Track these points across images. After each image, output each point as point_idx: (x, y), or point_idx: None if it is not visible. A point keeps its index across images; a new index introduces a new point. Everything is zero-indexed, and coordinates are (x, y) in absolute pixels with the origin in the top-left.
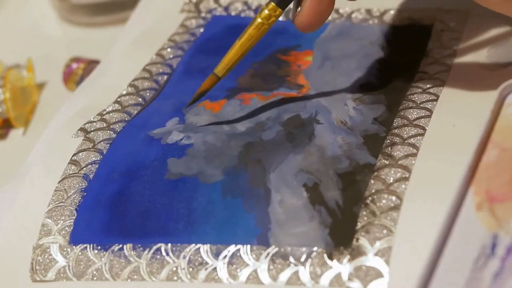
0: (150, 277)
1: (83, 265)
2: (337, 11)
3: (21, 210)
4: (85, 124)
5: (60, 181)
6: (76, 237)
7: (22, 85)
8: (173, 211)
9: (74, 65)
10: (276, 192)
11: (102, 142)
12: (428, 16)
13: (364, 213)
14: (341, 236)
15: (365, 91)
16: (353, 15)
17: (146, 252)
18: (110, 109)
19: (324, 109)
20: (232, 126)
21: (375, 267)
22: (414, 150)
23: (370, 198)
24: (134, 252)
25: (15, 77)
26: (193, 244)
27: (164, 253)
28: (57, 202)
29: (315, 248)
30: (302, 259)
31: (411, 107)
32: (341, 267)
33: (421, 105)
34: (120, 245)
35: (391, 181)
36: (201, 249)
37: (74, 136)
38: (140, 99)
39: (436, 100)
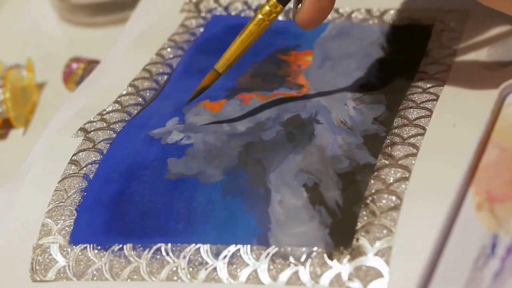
0: (150, 277)
1: (83, 265)
2: (337, 11)
3: (21, 210)
4: (85, 124)
5: (60, 181)
6: (76, 237)
7: (22, 85)
8: (173, 211)
9: (74, 65)
10: (276, 192)
11: (102, 142)
12: (428, 16)
13: (364, 213)
14: (341, 236)
15: (365, 91)
16: (353, 15)
17: (146, 252)
18: (110, 109)
19: (324, 109)
20: (232, 126)
21: (375, 267)
22: (414, 150)
23: (370, 198)
24: (134, 252)
25: (15, 77)
26: (193, 244)
27: (164, 253)
28: (57, 202)
29: (315, 248)
30: (302, 259)
31: (411, 107)
32: (341, 267)
33: (421, 105)
34: (120, 245)
35: (391, 181)
36: (201, 249)
37: (74, 136)
38: (140, 99)
39: (436, 100)
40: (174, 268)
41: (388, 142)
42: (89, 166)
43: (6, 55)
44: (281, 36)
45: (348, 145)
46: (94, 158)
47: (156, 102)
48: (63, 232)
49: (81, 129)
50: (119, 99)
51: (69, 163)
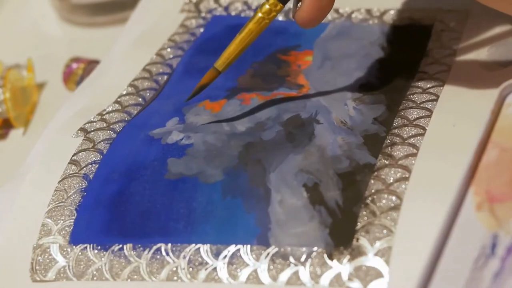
0: (150, 277)
1: (83, 265)
2: (337, 11)
3: (21, 210)
4: (85, 124)
5: (60, 181)
6: (76, 237)
7: (22, 85)
8: (173, 211)
9: (74, 65)
10: (276, 192)
11: (102, 142)
12: (428, 16)
13: (364, 213)
14: (341, 236)
15: (365, 91)
16: (353, 15)
17: (146, 252)
18: (110, 109)
19: (324, 109)
20: (232, 126)
21: (375, 267)
22: (414, 150)
23: (370, 198)
24: (134, 252)
25: (15, 77)
26: (193, 244)
27: (164, 253)
28: (57, 202)
29: (315, 248)
30: (302, 259)
31: (411, 107)
32: (341, 267)
33: (421, 105)
34: (120, 245)
35: (391, 181)
36: (201, 249)
37: (74, 136)
38: (140, 99)
39: (436, 100)
40: (174, 268)
41: (388, 142)
42: (89, 166)
43: (6, 55)
44: (281, 36)
45: (348, 145)
46: (94, 158)
47: (156, 102)
48: (63, 232)
49: (81, 129)
50: (119, 99)
51: (69, 163)
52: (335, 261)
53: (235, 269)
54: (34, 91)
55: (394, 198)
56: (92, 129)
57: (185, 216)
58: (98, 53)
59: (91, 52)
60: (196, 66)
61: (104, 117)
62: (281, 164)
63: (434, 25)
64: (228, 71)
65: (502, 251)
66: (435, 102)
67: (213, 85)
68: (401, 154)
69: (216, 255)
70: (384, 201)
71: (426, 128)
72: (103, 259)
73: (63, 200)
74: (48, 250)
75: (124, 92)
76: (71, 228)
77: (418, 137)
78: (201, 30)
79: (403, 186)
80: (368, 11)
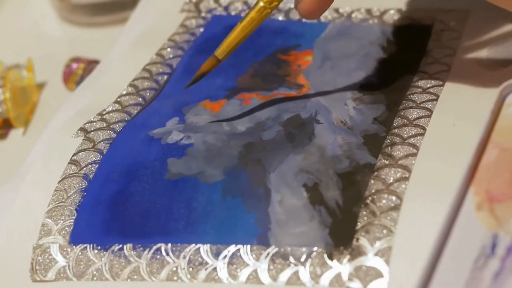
0: (150, 277)
1: (83, 265)
2: (337, 10)
3: (21, 210)
4: (85, 124)
5: (60, 181)
6: (76, 237)
7: (22, 85)
8: (173, 211)
9: (74, 65)
10: (276, 192)
11: (102, 142)
12: (428, 16)
13: (364, 213)
14: (341, 236)
15: (365, 91)
16: (353, 15)
17: (146, 252)
18: (110, 109)
19: (324, 109)
20: (232, 126)
21: (375, 267)
22: (414, 150)
23: (370, 198)
24: (134, 252)
25: (15, 77)
26: (193, 244)
27: (164, 253)
28: (57, 202)
29: (315, 248)
30: (302, 259)
31: (411, 107)
32: (341, 267)
33: (421, 105)
34: (120, 245)
35: (391, 181)
36: (201, 249)
37: (74, 136)
38: (140, 99)
39: (436, 100)
40: (174, 268)
41: (388, 142)
42: (89, 166)
43: (6, 55)
44: (281, 36)
45: (348, 145)
46: (94, 158)
47: (156, 102)
48: (63, 232)
49: (81, 129)
50: (119, 99)
51: (69, 163)
52: (335, 261)
53: (235, 269)
54: (34, 91)
55: (394, 198)
56: (92, 129)
57: (185, 216)
58: (98, 53)
59: (91, 52)
60: (196, 66)
61: (104, 117)
62: (281, 164)
63: (434, 25)
64: (228, 71)
65: (502, 251)
66: (435, 102)
67: (213, 85)
68: (401, 154)
69: (216, 255)
70: (384, 201)
71: (426, 128)
72: (103, 259)
73: (63, 200)
74: (48, 250)
75: (124, 92)
76: (71, 228)
77: (418, 137)
78: (201, 30)
79: (403, 186)
80: (368, 11)
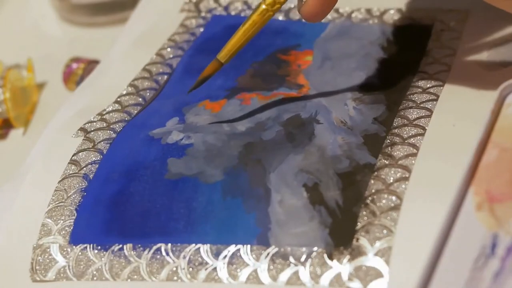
0: (150, 277)
1: (83, 265)
2: (337, 10)
3: (21, 210)
4: (85, 124)
5: (60, 181)
6: (76, 237)
7: (22, 85)
8: (173, 211)
9: (74, 65)
10: (276, 192)
11: (102, 142)
12: (428, 16)
13: (364, 213)
14: (341, 236)
15: (365, 91)
16: (353, 15)
17: (146, 252)
18: (110, 109)
19: (324, 109)
20: (232, 126)
21: (375, 267)
22: (414, 150)
23: (370, 198)
24: (134, 252)
25: (15, 77)
26: (193, 244)
27: (164, 253)
28: (57, 202)
29: (315, 248)
30: (302, 259)
31: (411, 107)
32: (341, 267)
33: (421, 105)
34: (120, 245)
35: (391, 181)
36: (201, 249)
37: (74, 136)
38: (140, 99)
39: (436, 100)
40: (174, 268)
41: (388, 142)
42: (89, 166)
43: (6, 55)
44: (281, 36)
45: (348, 145)
46: (94, 158)
47: (156, 102)
48: (63, 232)
49: (81, 129)
50: (119, 99)
51: (69, 163)
52: (335, 261)
53: (235, 269)
54: (34, 91)
55: (394, 198)
56: (92, 129)
57: (185, 216)
58: (98, 53)
59: (91, 52)
60: (196, 66)
61: (104, 117)
62: (281, 164)
63: (434, 25)
64: (228, 71)
65: (502, 251)
66: (435, 102)
67: (213, 85)
68: (401, 154)
69: (216, 255)
70: (384, 201)
71: (426, 128)
72: (103, 259)
73: (63, 200)
74: (48, 250)
75: (124, 92)
76: (71, 228)
77: (418, 137)
78: (201, 29)
79: (403, 186)
80: (368, 11)
